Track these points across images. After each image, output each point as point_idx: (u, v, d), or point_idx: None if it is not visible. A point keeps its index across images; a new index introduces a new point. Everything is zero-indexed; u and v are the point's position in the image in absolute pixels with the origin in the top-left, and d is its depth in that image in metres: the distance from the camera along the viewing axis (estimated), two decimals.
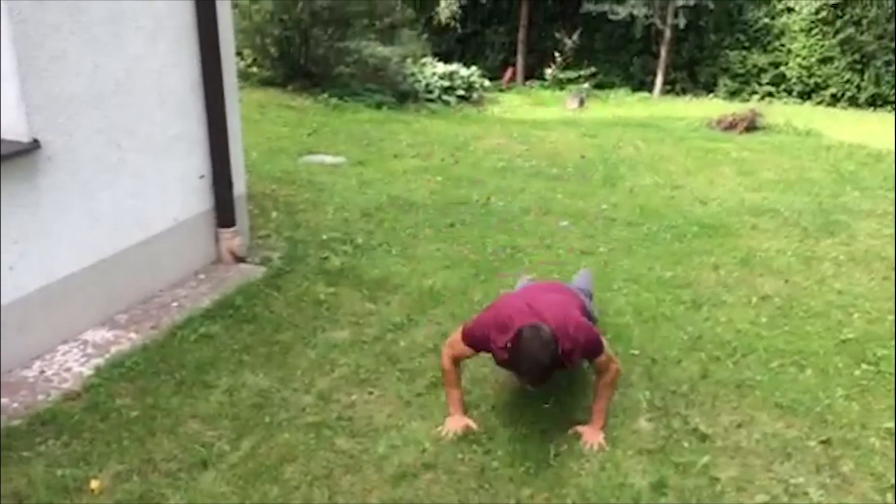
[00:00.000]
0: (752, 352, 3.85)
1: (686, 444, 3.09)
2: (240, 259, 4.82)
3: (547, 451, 3.01)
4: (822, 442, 3.10)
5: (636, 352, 3.84)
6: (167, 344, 3.78)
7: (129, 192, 4.07)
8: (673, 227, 5.82)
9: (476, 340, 3.09)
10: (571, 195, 6.77)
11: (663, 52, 15.04)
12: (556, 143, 9.30)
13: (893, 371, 3.65)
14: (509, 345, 2.87)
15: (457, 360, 3.18)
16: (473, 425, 3.16)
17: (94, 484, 2.73)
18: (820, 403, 3.36)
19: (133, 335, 3.87)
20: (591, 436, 3.10)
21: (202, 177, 4.60)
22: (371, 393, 3.46)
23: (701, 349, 3.88)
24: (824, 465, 2.97)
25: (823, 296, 4.58)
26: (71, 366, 3.57)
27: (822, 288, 4.70)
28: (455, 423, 3.15)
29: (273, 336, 3.93)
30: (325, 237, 5.36)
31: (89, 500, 2.68)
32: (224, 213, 4.75)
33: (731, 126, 10.70)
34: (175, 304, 4.26)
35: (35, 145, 3.42)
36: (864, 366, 3.69)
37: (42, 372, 3.50)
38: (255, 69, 11.11)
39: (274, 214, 5.79)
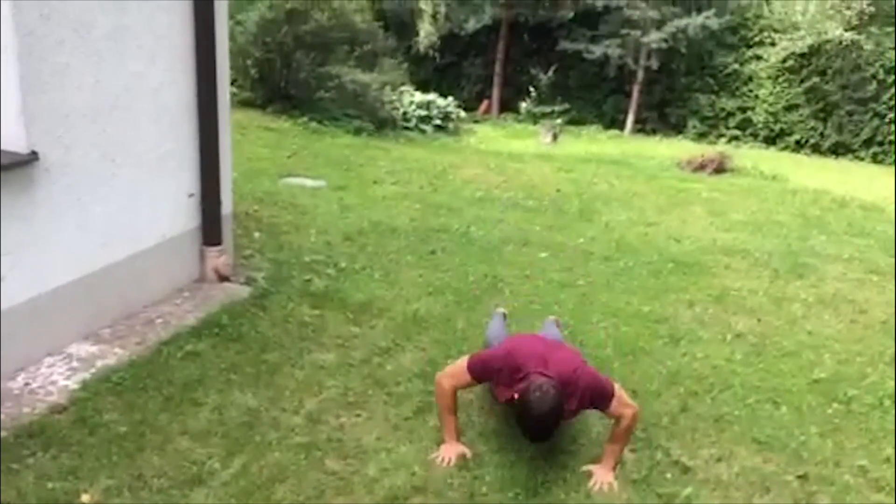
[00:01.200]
0: (728, 387, 3.96)
1: (669, 476, 3.17)
2: (224, 278, 4.82)
3: (535, 479, 3.07)
4: (799, 477, 3.20)
5: (617, 384, 3.92)
6: (153, 360, 3.77)
7: (121, 206, 4.07)
8: (649, 263, 5.97)
9: (483, 374, 3.18)
10: (549, 228, 6.90)
11: (635, 92, 15.42)
12: (532, 175, 9.47)
13: (864, 411, 3.79)
14: (517, 396, 2.94)
15: (456, 389, 3.23)
16: (468, 453, 3.21)
17: (84, 498, 2.72)
18: (795, 440, 3.48)
19: (118, 350, 3.85)
20: (602, 475, 3.11)
21: (192, 195, 4.62)
22: (359, 415, 3.49)
23: (680, 383, 3.98)
24: (801, 499, 3.08)
25: (795, 336, 4.73)
26: (56, 379, 3.53)
27: (794, 328, 4.85)
28: (451, 451, 3.19)
29: (260, 356, 3.94)
30: (308, 259, 5.39)
31: None
32: (211, 231, 4.77)
33: (701, 167, 11.00)
34: (160, 320, 4.24)
35: (33, 157, 3.42)
36: (835, 405, 3.83)
37: (27, 384, 3.46)
38: (235, 90, 11.13)
39: (257, 235, 5.81)
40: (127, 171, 4.08)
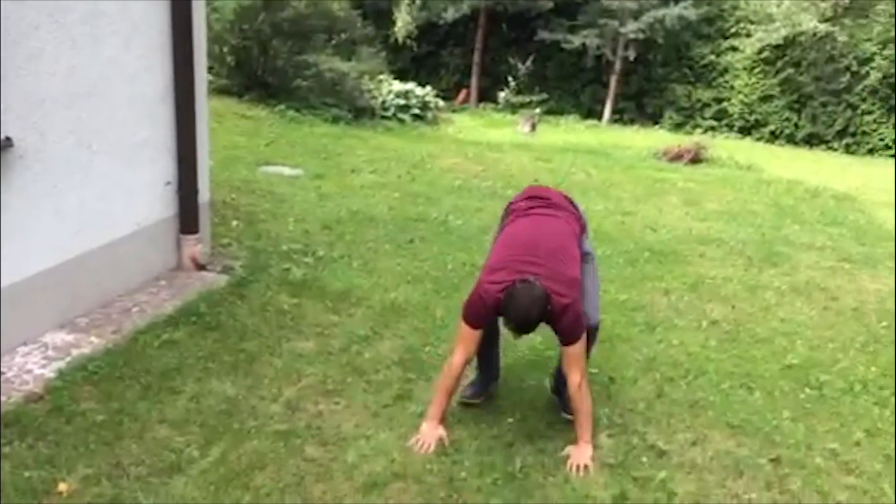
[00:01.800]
0: (703, 373, 4.02)
1: (644, 460, 3.22)
2: (201, 266, 4.80)
3: (513, 463, 3.10)
4: (772, 460, 3.26)
5: (595, 370, 3.95)
6: (130, 349, 3.75)
7: (97, 194, 4.04)
8: (626, 252, 6.02)
9: (481, 312, 3.16)
10: None
11: (613, 83, 15.48)
12: (511, 165, 9.49)
13: (835, 395, 3.86)
14: (502, 290, 3.04)
15: (468, 360, 3.26)
16: (446, 438, 3.21)
17: (62, 486, 2.70)
18: (768, 424, 3.54)
19: (94, 339, 3.82)
20: (578, 455, 3.14)
21: (168, 183, 4.59)
22: (338, 403, 3.50)
23: (656, 370, 4.03)
24: (774, 482, 3.13)
25: (768, 323, 4.80)
26: (31, 368, 3.51)
27: (767, 315, 4.93)
28: (431, 435, 3.19)
29: (238, 344, 3.93)
30: (286, 248, 5.38)
31: (59, 502, 2.66)
32: (188, 219, 4.74)
33: (677, 157, 11.09)
34: (136, 308, 4.22)
35: (7, 143, 3.38)
36: (807, 390, 3.90)
37: (2, 373, 3.43)
38: (211, 78, 11.01)
39: (234, 223, 5.78)
40: (102, 159, 4.04)
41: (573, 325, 3.12)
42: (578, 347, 3.15)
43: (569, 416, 3.35)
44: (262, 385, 3.57)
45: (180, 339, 3.91)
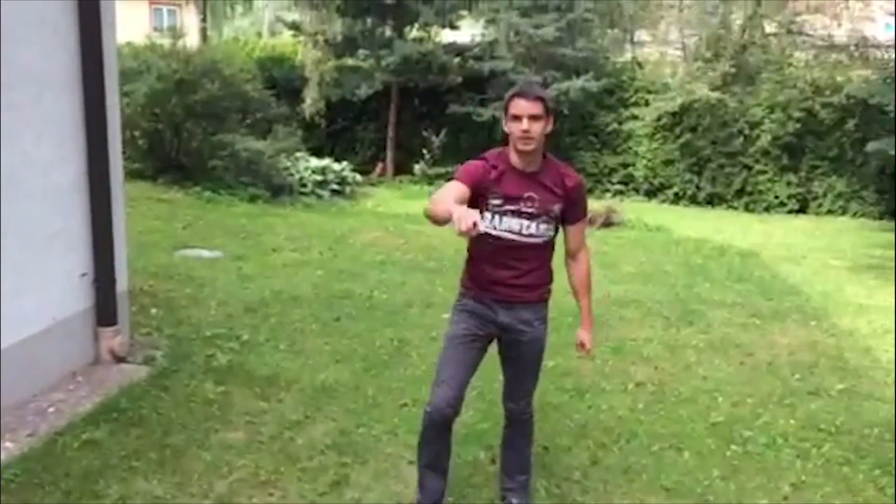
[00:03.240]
0: (634, 437, 4.10)
1: None
2: (121, 359, 4.64)
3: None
4: None
5: None
6: (48, 452, 3.57)
7: (8, 289, 3.88)
8: (550, 319, 6.11)
9: (472, 171, 3.00)
10: (451, 288, 6.91)
11: None
12: (431, 237, 9.58)
13: (759, 451, 4.00)
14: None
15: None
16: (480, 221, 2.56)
17: None
18: (700, 485, 3.63)
19: (9, 444, 3.62)
20: (588, 339, 3.41)
21: (84, 275, 4.46)
22: (272, 495, 3.41)
23: (588, 436, 4.09)
24: None
25: (690, 381, 4.96)
26: None
27: (688, 374, 5.09)
28: (469, 211, 2.55)
29: (163, 439, 3.79)
30: (209, 334, 5.26)
31: None
32: (105, 311, 4.60)
33: (591, 222, 11.46)
34: (52, 408, 4.03)
35: None
36: (733, 447, 4.03)
37: None
38: (123, 162, 10.83)
39: (154, 311, 5.62)
40: (14, 253, 3.91)
41: (585, 197, 3.14)
42: (585, 225, 3.22)
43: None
44: (192, 481, 3.44)
45: (101, 438, 3.74)
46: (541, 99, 2.96)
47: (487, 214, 2.99)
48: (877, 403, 4.71)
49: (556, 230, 3.13)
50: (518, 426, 3.38)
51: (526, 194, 3.00)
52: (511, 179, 3.01)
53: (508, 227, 3.03)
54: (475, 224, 2.47)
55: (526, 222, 3.02)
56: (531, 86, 3.04)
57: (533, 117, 2.93)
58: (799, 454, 3.98)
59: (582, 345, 3.37)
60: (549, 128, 2.98)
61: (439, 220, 2.72)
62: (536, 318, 3.23)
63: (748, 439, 4.11)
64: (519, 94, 2.97)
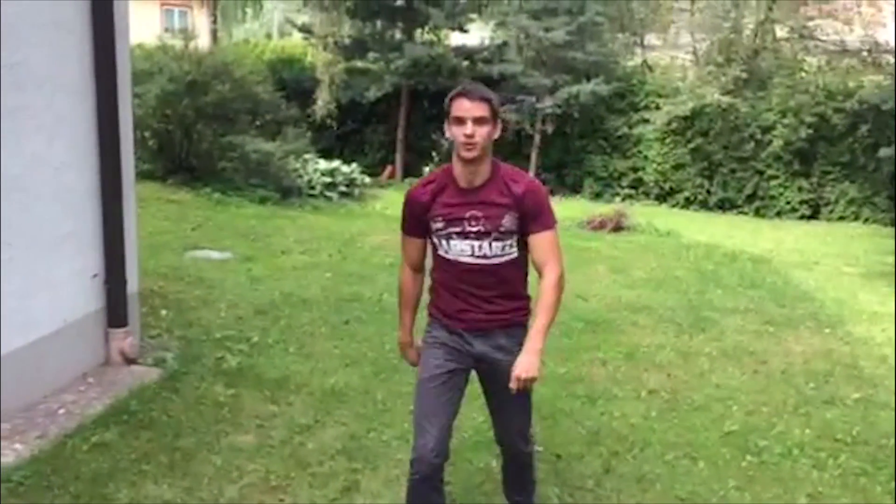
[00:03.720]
0: (647, 445, 4.06)
1: None
2: (131, 360, 4.62)
3: None
4: None
5: (540, 448, 3.93)
6: (58, 455, 3.55)
7: (18, 291, 3.87)
8: (560, 324, 6.06)
9: (412, 214, 2.85)
10: None
11: (533, 155, 15.92)
12: None
13: (775, 461, 3.95)
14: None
15: (415, 268, 2.96)
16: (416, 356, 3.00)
17: None
18: (715, 495, 3.58)
19: (18, 446, 3.60)
20: (523, 366, 2.64)
21: (95, 276, 4.44)
22: (282, 500, 3.38)
23: (601, 444, 4.05)
24: None
25: (703, 389, 4.91)
26: None
27: (702, 382, 5.04)
28: (406, 355, 3.12)
29: (174, 442, 3.77)
30: (219, 336, 5.24)
31: None
32: (116, 312, 4.58)
33: (601, 226, 11.41)
34: (62, 410, 4.01)
35: None
36: (748, 457, 3.97)
37: None
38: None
39: (164, 312, 5.61)
40: (24, 255, 3.90)
41: (543, 202, 2.76)
42: (554, 234, 2.76)
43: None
44: (202, 485, 3.42)
45: (111, 440, 3.72)
46: (486, 100, 2.66)
47: (437, 240, 2.78)
48: (893, 413, 4.65)
49: (521, 244, 2.77)
50: (516, 463, 3.10)
51: (468, 213, 2.71)
52: (450, 199, 2.74)
53: (460, 250, 2.75)
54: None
55: (476, 243, 2.72)
56: (475, 85, 2.74)
57: (478, 120, 2.63)
58: (815, 464, 3.93)
59: (517, 378, 2.65)
60: (497, 134, 2.71)
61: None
62: (515, 344, 2.77)
63: (763, 449, 4.06)
64: (462, 94, 2.66)
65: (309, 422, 4.09)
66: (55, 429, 3.79)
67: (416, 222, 2.84)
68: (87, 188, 4.31)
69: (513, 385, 2.65)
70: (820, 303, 7.31)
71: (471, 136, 2.63)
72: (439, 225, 2.75)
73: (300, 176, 11.96)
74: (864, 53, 14.48)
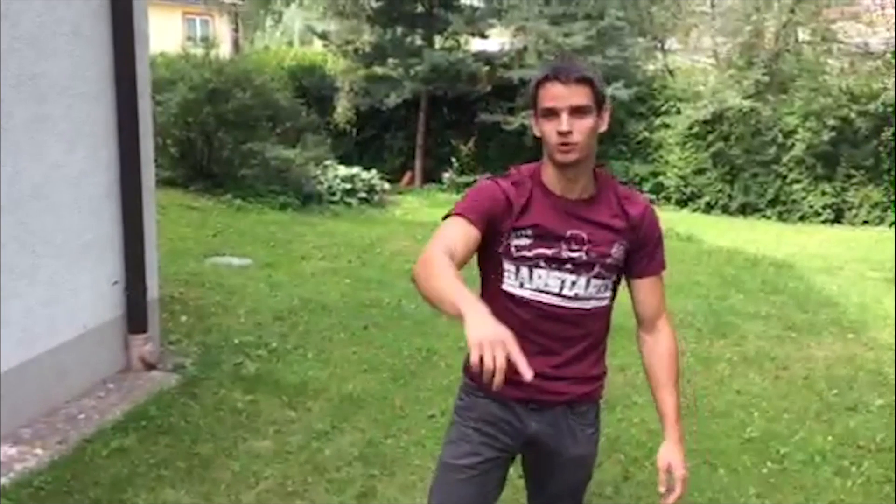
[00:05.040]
0: None
1: None
2: (151, 366, 4.66)
3: None
4: None
5: None
6: (78, 460, 3.59)
7: (41, 299, 3.92)
8: None
9: (489, 192, 2.02)
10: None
11: None
12: None
13: (796, 468, 3.90)
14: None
15: (445, 252, 1.83)
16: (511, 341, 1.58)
17: None
18: (735, 502, 3.54)
19: (39, 451, 3.64)
20: (677, 463, 2.08)
21: (115, 283, 4.49)
22: None
23: (620, 451, 4.02)
24: None
25: (724, 395, 4.86)
26: None
27: (722, 388, 4.99)
28: (497, 331, 1.57)
29: (192, 448, 3.79)
30: (238, 341, 5.27)
31: None
32: (136, 318, 4.62)
33: None
34: (82, 416, 4.05)
35: None
36: (769, 464, 3.92)
37: None
38: (155, 170, 10.97)
39: (183, 318, 5.65)
40: (47, 262, 3.95)
41: (661, 234, 2.14)
42: (658, 280, 2.18)
43: None
44: (219, 491, 3.44)
45: (130, 445, 3.75)
46: (587, 81, 1.90)
47: (510, 267, 2.02)
48: None
49: (616, 289, 2.14)
50: None
51: (569, 232, 1.99)
52: (545, 209, 1.99)
53: (544, 285, 2.01)
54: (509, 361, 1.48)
55: (570, 277, 2.01)
56: (571, 62, 1.96)
57: (576, 110, 1.89)
58: (837, 472, 3.87)
59: (668, 469, 2.08)
60: (604, 126, 1.98)
61: (431, 300, 1.71)
62: (587, 425, 2.16)
63: (784, 456, 4.00)
64: (553, 77, 1.91)
65: (326, 427, 4.10)
66: (75, 434, 3.83)
67: (486, 215, 1.97)
68: (107, 195, 4.36)
69: (662, 488, 2.06)
70: (843, 308, 7.21)
71: (567, 134, 1.90)
72: (523, 241, 1.98)
73: (320, 182, 12.01)
74: (889, 56, 14.28)
